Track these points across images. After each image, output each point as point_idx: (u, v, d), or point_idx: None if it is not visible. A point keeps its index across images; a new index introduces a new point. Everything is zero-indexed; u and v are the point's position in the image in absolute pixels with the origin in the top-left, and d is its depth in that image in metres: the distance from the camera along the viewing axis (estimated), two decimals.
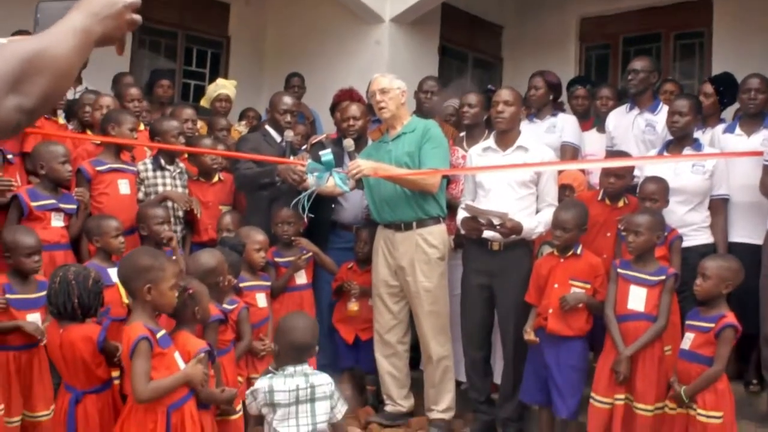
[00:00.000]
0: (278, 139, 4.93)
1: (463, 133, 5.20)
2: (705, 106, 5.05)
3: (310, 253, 4.66)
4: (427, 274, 4.40)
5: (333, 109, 5.61)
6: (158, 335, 2.91)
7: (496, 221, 4.14)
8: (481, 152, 4.51)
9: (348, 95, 5.47)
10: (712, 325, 3.49)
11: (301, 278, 4.62)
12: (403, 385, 4.65)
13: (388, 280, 4.52)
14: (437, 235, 4.44)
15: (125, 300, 3.57)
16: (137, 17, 1.45)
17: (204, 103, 6.53)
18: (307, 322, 3.21)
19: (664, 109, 4.87)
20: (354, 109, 4.98)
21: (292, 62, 7.53)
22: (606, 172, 4.43)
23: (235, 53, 8.31)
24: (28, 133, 4.44)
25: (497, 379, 4.59)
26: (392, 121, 4.51)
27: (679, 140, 4.46)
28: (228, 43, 8.31)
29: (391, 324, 4.57)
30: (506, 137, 4.41)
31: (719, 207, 4.42)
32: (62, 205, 4.10)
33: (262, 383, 3.06)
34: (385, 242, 4.51)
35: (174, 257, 4.27)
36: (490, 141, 4.52)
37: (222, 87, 6.31)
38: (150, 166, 4.61)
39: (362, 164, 4.17)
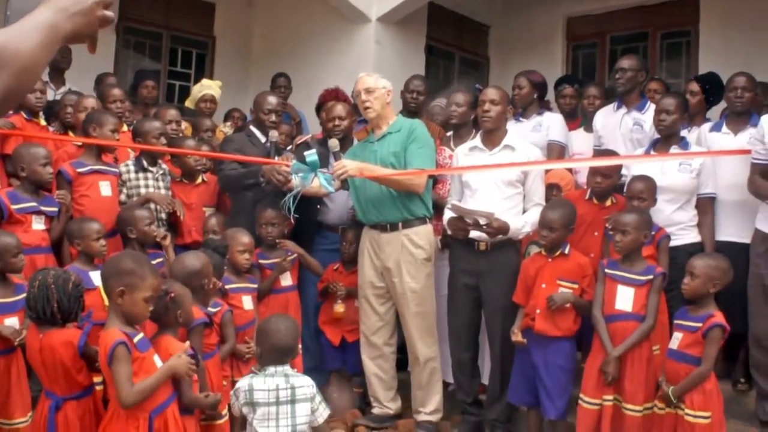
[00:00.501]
0: (263, 139, 4.87)
1: (450, 133, 5.17)
2: (691, 105, 5.05)
3: (295, 255, 4.62)
4: (413, 275, 4.36)
5: (318, 109, 5.57)
6: (135, 339, 2.85)
7: (482, 221, 4.11)
8: (468, 152, 4.48)
9: (334, 95, 5.44)
10: (700, 324, 3.47)
11: (287, 280, 4.57)
12: (390, 387, 4.61)
13: (374, 281, 4.48)
14: (423, 235, 4.40)
15: (107, 303, 3.50)
16: (110, 14, 1.42)
17: (189, 103, 6.48)
18: (289, 324, 3.22)
19: (651, 108, 4.86)
20: (339, 109, 4.96)
21: (278, 62, 7.49)
22: (593, 172, 4.41)
23: (220, 54, 8.27)
24: (8, 134, 4.37)
25: (485, 379, 4.57)
26: (377, 120, 4.47)
27: (666, 139, 4.44)
28: (213, 44, 8.27)
29: (377, 326, 4.53)
30: (493, 136, 4.38)
31: (706, 206, 4.41)
32: (43, 208, 4.04)
33: (243, 382, 3.08)
34: (370, 243, 4.47)
35: (166, 257, 4.24)
36: (477, 140, 4.49)
37: (207, 88, 6.26)
38: (132, 168, 4.56)
39: (347, 164, 4.14)
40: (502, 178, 4.28)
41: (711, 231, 4.40)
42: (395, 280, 4.38)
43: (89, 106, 4.72)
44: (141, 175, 4.56)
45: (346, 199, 4.86)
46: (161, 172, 4.66)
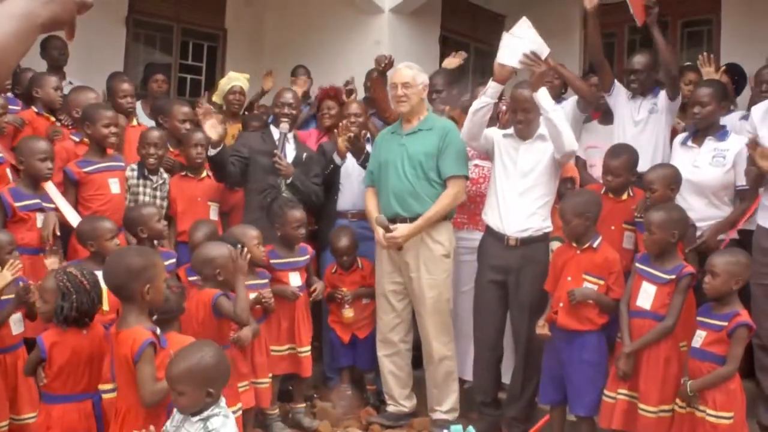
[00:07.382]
0: (277, 135, 4.86)
1: None
2: None
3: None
4: (431, 271, 4.29)
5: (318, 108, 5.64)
6: (158, 334, 2.83)
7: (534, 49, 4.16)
8: (502, 138, 4.39)
9: (331, 94, 5.43)
10: (725, 323, 3.38)
11: (296, 281, 4.42)
12: (406, 385, 4.54)
13: (393, 276, 4.41)
14: (443, 231, 4.34)
15: (105, 307, 3.43)
16: (88, 0, 1.41)
17: (216, 98, 6.30)
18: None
19: (662, 93, 4.71)
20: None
21: (290, 55, 7.39)
22: (605, 170, 4.27)
23: (232, 46, 8.17)
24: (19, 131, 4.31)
25: (506, 378, 4.47)
26: (409, 114, 4.39)
27: (704, 130, 4.32)
28: (225, 36, 8.17)
29: (394, 323, 4.46)
30: (527, 129, 4.31)
31: (746, 196, 4.21)
32: (46, 204, 3.96)
33: None
34: None
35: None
36: (511, 130, 4.39)
37: (235, 79, 6.05)
38: (136, 173, 4.54)
39: (398, 235, 4.18)
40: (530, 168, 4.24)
41: (735, 215, 4.23)
42: (413, 275, 4.32)
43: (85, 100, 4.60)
44: (141, 181, 4.54)
45: (359, 184, 4.82)
46: (161, 181, 4.63)
